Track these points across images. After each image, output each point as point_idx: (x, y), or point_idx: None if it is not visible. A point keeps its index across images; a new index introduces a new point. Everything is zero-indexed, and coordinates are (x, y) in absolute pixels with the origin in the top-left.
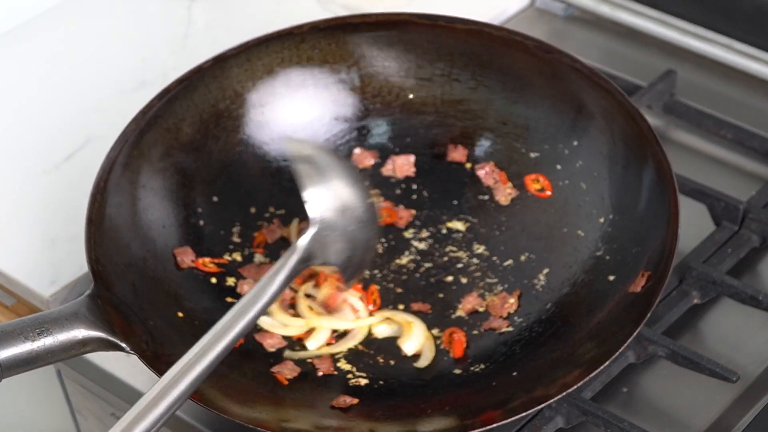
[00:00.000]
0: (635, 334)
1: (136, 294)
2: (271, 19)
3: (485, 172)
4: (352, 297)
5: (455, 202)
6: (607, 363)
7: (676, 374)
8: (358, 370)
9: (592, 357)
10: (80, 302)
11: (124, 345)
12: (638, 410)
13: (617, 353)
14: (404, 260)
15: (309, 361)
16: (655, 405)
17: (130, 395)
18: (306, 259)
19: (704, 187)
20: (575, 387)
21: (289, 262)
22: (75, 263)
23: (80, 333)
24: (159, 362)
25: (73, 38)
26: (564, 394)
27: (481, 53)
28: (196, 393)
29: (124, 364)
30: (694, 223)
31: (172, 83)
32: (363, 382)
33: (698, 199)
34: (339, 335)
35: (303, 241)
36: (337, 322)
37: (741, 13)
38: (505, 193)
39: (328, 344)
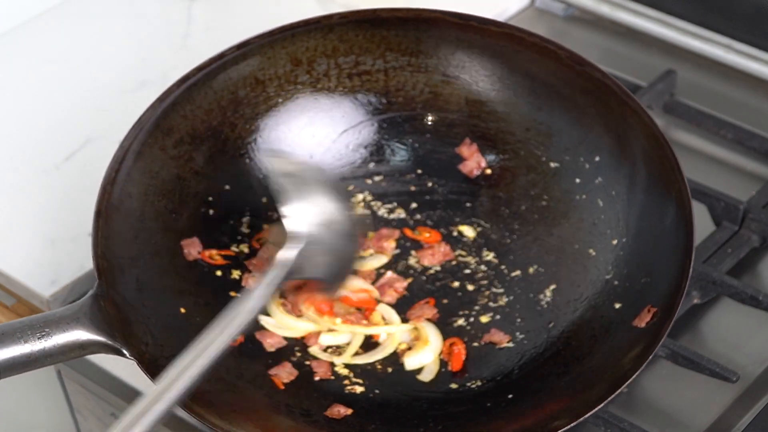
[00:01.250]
0: (636, 375)
1: (140, 290)
2: (271, 19)
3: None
4: (384, 305)
5: (469, 205)
6: (602, 405)
7: (676, 374)
8: (355, 376)
9: (589, 397)
10: (82, 304)
11: (123, 350)
12: (638, 410)
13: (612, 396)
14: (411, 261)
15: (307, 363)
16: (655, 405)
17: (130, 395)
18: (291, 273)
19: (704, 187)
20: (570, 426)
21: (273, 277)
22: (75, 263)
23: (80, 337)
24: (157, 367)
25: (73, 38)
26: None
27: (510, 57)
28: (194, 405)
29: (124, 365)
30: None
31: (191, 70)
32: (359, 390)
33: (698, 199)
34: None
35: (289, 256)
36: (365, 329)
37: (741, 13)
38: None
39: (357, 354)
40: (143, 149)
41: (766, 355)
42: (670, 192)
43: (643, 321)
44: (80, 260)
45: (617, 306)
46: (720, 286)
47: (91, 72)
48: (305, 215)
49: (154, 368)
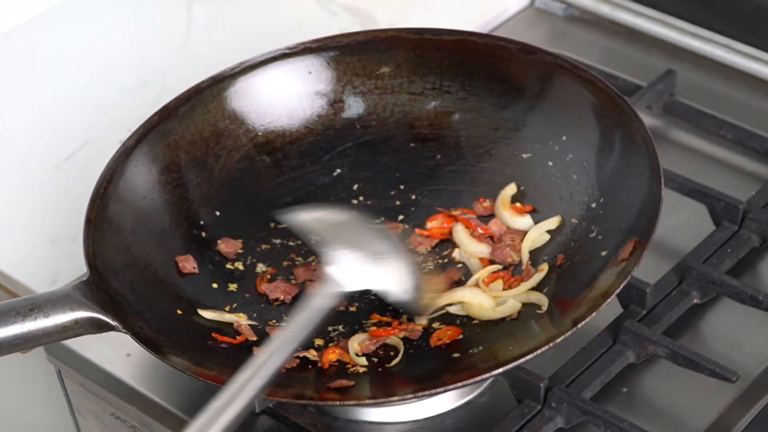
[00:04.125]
0: (617, 291)
1: (134, 291)
2: (271, 20)
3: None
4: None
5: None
6: (581, 325)
7: (676, 374)
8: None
9: (577, 317)
10: (74, 286)
11: (116, 324)
12: (638, 410)
13: (593, 315)
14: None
15: (311, 358)
16: (655, 405)
17: (130, 395)
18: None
19: (704, 187)
20: (547, 347)
21: (307, 317)
22: (75, 263)
23: (73, 313)
24: (153, 343)
25: (73, 38)
26: (538, 352)
27: (468, 62)
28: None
29: (124, 364)
30: (694, 223)
31: (171, 101)
32: (362, 370)
33: (698, 199)
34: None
35: (322, 305)
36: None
37: (741, 13)
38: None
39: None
40: (129, 173)
41: (766, 355)
42: (630, 135)
43: (627, 252)
44: (80, 260)
45: (603, 254)
46: (720, 286)
47: (91, 72)
48: (348, 257)
49: (149, 343)
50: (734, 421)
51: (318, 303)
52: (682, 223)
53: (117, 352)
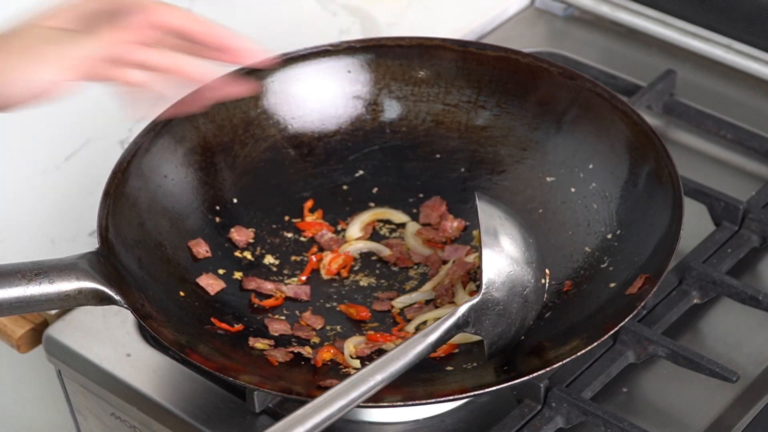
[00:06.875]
0: (618, 326)
1: (141, 267)
2: (270, 19)
3: None
4: None
5: (469, 224)
6: (579, 354)
7: (676, 374)
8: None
9: (573, 347)
10: (82, 255)
11: (118, 298)
12: (638, 410)
13: (593, 345)
14: (412, 272)
15: (305, 354)
16: (655, 405)
17: (130, 395)
18: (460, 325)
19: (704, 187)
20: (543, 371)
21: (444, 324)
22: None
23: (78, 283)
24: (152, 321)
25: None
26: (532, 376)
27: (507, 80)
28: (190, 354)
29: (124, 365)
30: (694, 223)
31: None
32: (353, 372)
33: (698, 199)
34: None
35: (463, 307)
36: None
37: (741, 13)
38: None
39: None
40: (155, 150)
41: (766, 355)
42: (657, 172)
43: (635, 288)
44: None
45: (612, 285)
46: (720, 286)
47: None
48: (496, 270)
49: (149, 321)
50: (734, 421)
51: (442, 326)
52: (682, 223)
53: (117, 352)
